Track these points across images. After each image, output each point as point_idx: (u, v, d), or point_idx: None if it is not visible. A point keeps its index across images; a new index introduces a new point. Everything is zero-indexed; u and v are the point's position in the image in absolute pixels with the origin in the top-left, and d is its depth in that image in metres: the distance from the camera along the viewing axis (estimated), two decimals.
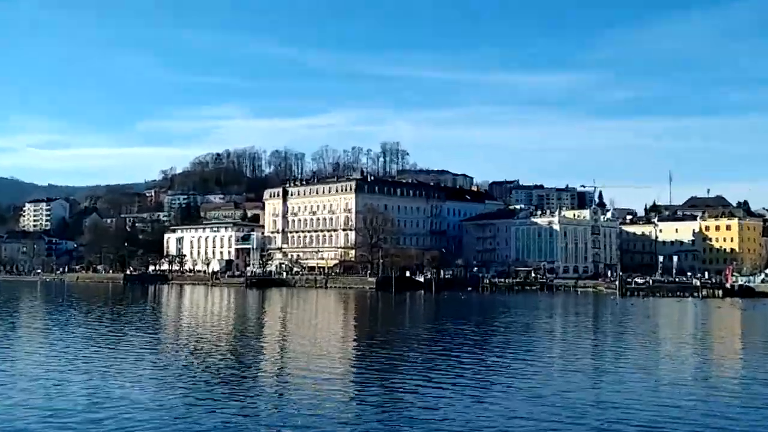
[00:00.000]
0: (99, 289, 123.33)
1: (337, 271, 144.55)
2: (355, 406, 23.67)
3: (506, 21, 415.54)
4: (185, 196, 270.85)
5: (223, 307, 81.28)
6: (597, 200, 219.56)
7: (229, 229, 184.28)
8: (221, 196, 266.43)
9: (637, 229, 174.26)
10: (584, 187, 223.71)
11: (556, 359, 35.82)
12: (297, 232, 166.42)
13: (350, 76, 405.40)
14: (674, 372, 31.77)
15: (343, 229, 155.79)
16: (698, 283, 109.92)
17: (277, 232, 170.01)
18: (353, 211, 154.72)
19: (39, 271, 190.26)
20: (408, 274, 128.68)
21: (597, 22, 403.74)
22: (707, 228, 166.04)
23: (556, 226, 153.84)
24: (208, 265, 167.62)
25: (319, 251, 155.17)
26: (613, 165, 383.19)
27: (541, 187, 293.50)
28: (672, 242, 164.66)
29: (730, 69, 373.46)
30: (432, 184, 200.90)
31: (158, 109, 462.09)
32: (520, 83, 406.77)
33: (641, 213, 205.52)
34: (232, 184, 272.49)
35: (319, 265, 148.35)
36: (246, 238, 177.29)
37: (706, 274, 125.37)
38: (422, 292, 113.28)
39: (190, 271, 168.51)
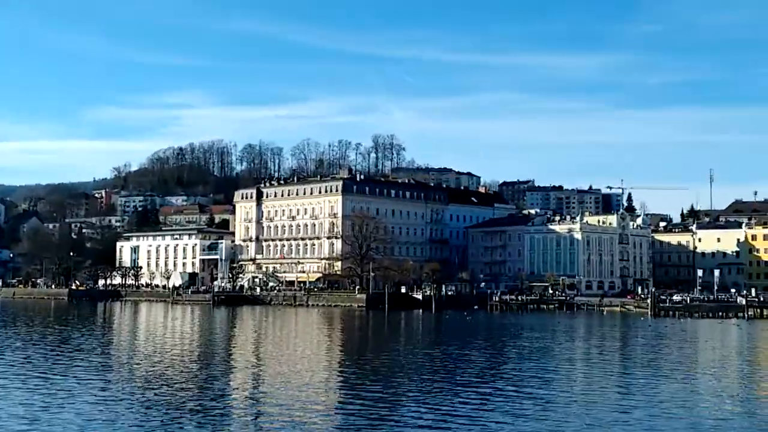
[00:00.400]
0: (39, 307, 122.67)
1: (321, 286, 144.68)
2: None
3: None
4: (141, 198, 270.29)
5: (186, 330, 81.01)
6: (625, 204, 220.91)
7: (194, 237, 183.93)
8: (184, 197, 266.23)
9: (672, 239, 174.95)
10: (610, 188, 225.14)
11: (577, 394, 35.72)
12: (273, 240, 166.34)
13: (336, 55, 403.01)
14: (716, 408, 31.74)
15: (328, 237, 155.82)
16: (743, 302, 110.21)
17: (250, 241, 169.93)
18: (339, 215, 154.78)
19: None
20: (403, 290, 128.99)
21: None
22: (754, 237, 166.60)
23: (578, 235, 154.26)
24: (168, 279, 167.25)
25: (299, 263, 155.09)
26: (644, 163, 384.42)
27: (560, 188, 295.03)
28: (713, 254, 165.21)
29: None
30: (432, 184, 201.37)
31: (109, 95, 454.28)
32: (537, 66, 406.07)
33: (677, 219, 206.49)
34: (196, 183, 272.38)
35: (299, 280, 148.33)
36: (213, 248, 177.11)
37: (753, 291, 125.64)
38: (420, 311, 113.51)
39: (147, 285, 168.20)
